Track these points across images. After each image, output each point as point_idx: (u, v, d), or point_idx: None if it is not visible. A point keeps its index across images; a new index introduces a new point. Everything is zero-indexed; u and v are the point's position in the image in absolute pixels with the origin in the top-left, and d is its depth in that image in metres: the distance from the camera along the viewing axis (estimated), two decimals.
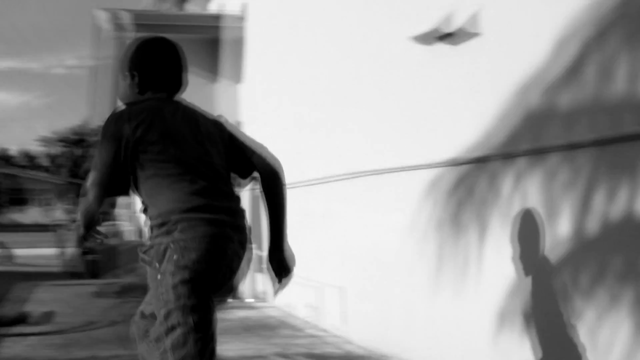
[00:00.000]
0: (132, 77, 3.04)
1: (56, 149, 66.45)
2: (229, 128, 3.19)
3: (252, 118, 9.60)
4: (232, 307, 8.36)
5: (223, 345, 6.16)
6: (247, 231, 3.15)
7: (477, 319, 4.47)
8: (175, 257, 2.78)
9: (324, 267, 7.17)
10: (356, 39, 6.20)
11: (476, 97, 4.55)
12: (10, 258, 21.07)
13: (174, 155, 2.86)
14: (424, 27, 4.86)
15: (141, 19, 9.74)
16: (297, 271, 7.77)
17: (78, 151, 62.68)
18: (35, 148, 70.83)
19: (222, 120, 3.20)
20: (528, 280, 4.05)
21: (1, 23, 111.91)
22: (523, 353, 4.03)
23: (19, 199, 52.24)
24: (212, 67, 10.10)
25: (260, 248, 9.13)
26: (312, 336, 6.71)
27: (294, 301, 8.03)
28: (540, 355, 3.92)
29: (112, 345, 6.31)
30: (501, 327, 4.26)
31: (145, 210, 2.95)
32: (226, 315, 7.87)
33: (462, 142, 4.60)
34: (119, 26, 9.67)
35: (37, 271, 17.39)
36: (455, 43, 4.66)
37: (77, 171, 61.02)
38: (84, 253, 14.33)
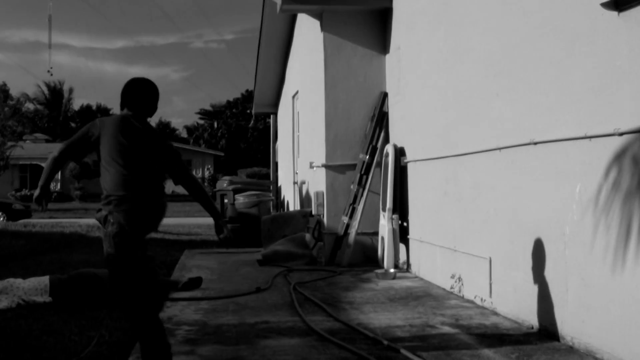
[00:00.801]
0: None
1: (210, 122, 68.74)
2: (173, 149, 4.78)
3: (398, 89, 9.50)
4: (376, 278, 8.37)
5: (370, 314, 6.24)
6: (163, 209, 4.73)
7: None
8: (111, 221, 4.33)
9: (471, 238, 7.02)
10: (531, 6, 5.88)
11: None
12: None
13: (117, 154, 4.41)
14: None
15: None
16: (442, 241, 7.70)
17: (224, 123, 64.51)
18: (193, 121, 73.76)
19: (169, 143, 4.83)
20: None
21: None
22: None
23: None
24: (379, 39, 10.05)
25: (402, 218, 9.08)
26: (457, 307, 6.61)
27: (437, 271, 7.93)
28: None
29: (259, 312, 6.46)
30: None
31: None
32: (370, 286, 7.89)
33: None
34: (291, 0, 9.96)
35: (189, 239, 18.10)
36: None
37: (213, 143, 62.99)
38: (226, 222, 14.72)
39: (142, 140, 4.49)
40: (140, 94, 4.63)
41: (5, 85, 28.55)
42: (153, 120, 77.59)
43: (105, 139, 4.43)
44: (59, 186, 50.04)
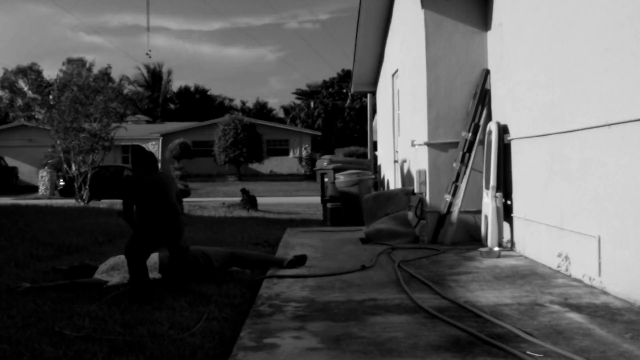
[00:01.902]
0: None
1: (306, 101, 69.23)
2: (175, 181, 7.27)
3: (500, 66, 9.37)
4: (480, 256, 8.34)
5: (477, 292, 6.26)
6: (182, 225, 7.08)
7: None
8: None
9: (578, 215, 6.91)
10: None
11: None
12: (254, 205, 22.49)
13: (149, 197, 6.80)
14: None
15: None
16: (548, 220, 7.60)
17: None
18: (289, 101, 74.49)
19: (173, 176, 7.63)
20: None
21: None
22: None
23: (277, 149, 55.19)
24: (480, 15, 9.95)
25: (505, 197, 8.99)
26: (565, 286, 6.54)
27: (543, 250, 7.84)
28: None
29: (365, 289, 6.55)
30: None
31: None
32: (474, 264, 7.88)
33: None
34: None
35: (289, 218, 18.40)
36: None
37: (310, 122, 63.32)
38: (327, 201, 14.90)
39: (165, 182, 7.06)
40: (141, 157, 7.13)
41: (109, 67, 29.24)
42: (250, 101, 78.69)
43: (137, 192, 6.91)
44: (159, 166, 51.47)
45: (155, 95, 76.46)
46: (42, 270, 8.36)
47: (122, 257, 7.58)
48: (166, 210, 6.85)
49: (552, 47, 7.54)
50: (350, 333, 4.93)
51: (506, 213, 9.11)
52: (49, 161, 38.67)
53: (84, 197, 25.56)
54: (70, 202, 25.36)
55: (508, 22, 9.04)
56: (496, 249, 8.61)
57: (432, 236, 9.85)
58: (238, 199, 24.63)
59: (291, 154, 55.71)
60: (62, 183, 34.41)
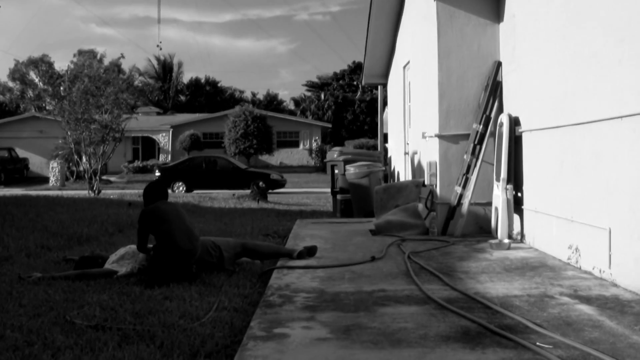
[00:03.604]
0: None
1: (317, 93, 69.24)
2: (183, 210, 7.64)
3: (513, 58, 9.34)
4: (490, 248, 8.33)
5: (486, 284, 6.25)
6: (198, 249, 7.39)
7: None
8: None
9: (589, 208, 6.89)
10: None
11: None
12: (264, 196, 22.54)
13: (166, 224, 7.18)
14: None
15: None
16: (559, 212, 7.58)
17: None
18: (299, 93, 74.50)
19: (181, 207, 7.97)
20: None
21: None
22: None
23: (287, 141, 55.20)
24: (492, 7, 9.92)
25: (516, 189, 8.97)
26: (575, 278, 6.52)
27: (553, 242, 7.83)
28: None
29: (375, 280, 6.56)
30: None
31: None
32: (484, 256, 7.87)
33: None
34: None
35: (299, 210, 18.42)
36: None
37: (320, 114, 63.28)
38: (336, 193, 14.92)
39: (179, 210, 7.59)
40: (156, 190, 7.71)
41: (122, 56, 29.31)
42: (261, 93, 78.74)
43: (155, 222, 7.31)
44: (169, 158, 51.56)
45: (165, 86, 76.57)
46: (53, 260, 8.41)
47: (133, 247, 7.63)
48: (185, 234, 7.19)
49: (565, 38, 7.50)
50: (360, 323, 4.93)
51: (516, 205, 9.09)
52: (60, 152, 38.84)
53: (94, 188, 25.62)
54: (81, 192, 25.45)
55: (520, 14, 9.01)
56: (506, 241, 8.60)
57: (442, 228, 9.85)
58: (248, 190, 24.68)
59: (301, 146, 55.71)
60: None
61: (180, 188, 31.63)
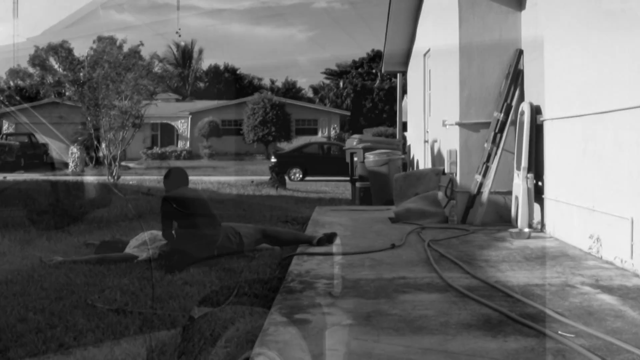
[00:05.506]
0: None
1: (335, 81, 69.08)
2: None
3: (534, 46, 9.27)
4: (510, 237, 8.30)
5: (507, 273, 6.24)
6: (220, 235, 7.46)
7: None
8: None
9: (611, 197, 6.83)
10: None
11: None
12: (282, 183, 22.63)
13: (189, 210, 7.31)
14: None
15: None
16: (580, 201, 7.54)
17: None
18: (318, 80, 74.38)
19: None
20: None
21: None
22: None
23: (305, 129, 55.11)
24: None
25: (536, 178, 8.92)
26: (596, 267, 6.49)
27: (574, 232, 7.78)
28: None
29: (395, 267, 6.55)
30: None
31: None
32: (504, 244, 7.85)
33: None
34: None
35: (317, 197, 18.44)
36: None
37: (338, 102, 63.12)
38: (355, 181, 14.92)
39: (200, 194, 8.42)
40: (178, 176, 7.82)
41: (141, 43, 29.20)
42: (280, 80, 78.73)
43: (177, 206, 7.44)
44: (188, 144, 51.66)
45: (185, 73, 76.64)
46: (73, 244, 8.46)
47: (154, 232, 7.66)
48: (208, 220, 7.41)
49: (588, 27, 7.43)
50: (381, 310, 4.94)
51: (537, 194, 9.04)
52: (79, 138, 38.99)
53: (114, 174, 25.73)
54: (101, 178, 25.58)
55: (543, 1, 8.93)
56: (526, 230, 8.56)
57: (462, 216, 9.81)
58: (266, 177, 24.72)
59: (319, 134, 55.63)
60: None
61: (297, 175, 31.19)
